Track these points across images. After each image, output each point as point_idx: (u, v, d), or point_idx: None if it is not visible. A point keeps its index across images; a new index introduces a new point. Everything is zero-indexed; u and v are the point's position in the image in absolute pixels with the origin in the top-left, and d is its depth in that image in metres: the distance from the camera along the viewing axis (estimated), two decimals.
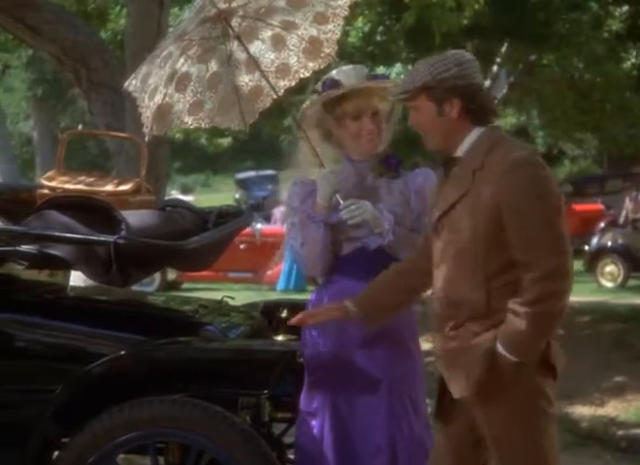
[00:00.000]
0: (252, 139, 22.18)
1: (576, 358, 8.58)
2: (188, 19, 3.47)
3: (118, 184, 3.53)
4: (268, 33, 3.46)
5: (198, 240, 3.34)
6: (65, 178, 3.53)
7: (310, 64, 3.44)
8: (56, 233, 3.20)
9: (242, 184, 28.29)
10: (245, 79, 3.49)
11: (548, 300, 2.58)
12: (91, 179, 3.56)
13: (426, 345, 3.91)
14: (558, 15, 8.95)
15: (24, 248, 3.21)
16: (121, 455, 3.25)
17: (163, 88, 3.40)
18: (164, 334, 3.32)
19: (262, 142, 29.04)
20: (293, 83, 3.45)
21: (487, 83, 11.49)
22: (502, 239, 2.62)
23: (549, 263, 2.57)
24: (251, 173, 29.20)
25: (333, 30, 3.42)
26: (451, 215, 2.70)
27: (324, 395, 3.20)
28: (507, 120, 15.09)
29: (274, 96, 3.43)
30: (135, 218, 3.30)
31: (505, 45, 10.19)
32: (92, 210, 3.29)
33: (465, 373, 2.65)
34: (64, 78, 21.08)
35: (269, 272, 14.50)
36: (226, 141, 14.21)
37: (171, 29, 4.70)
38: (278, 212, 17.06)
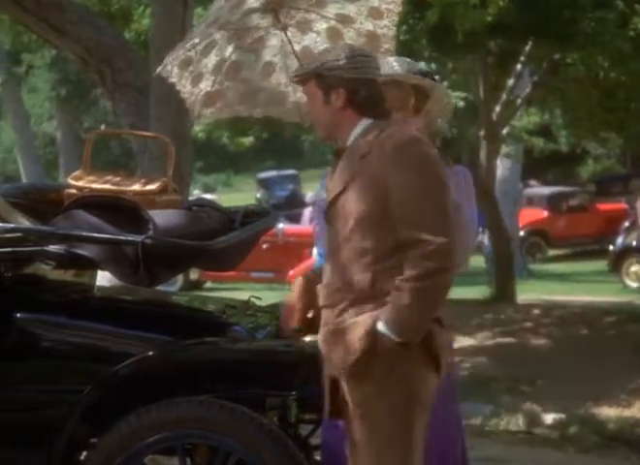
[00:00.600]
0: (273, 139, 22.17)
1: (601, 359, 8.52)
2: (228, 9, 3.40)
3: (145, 184, 3.52)
4: (323, 25, 3.42)
5: (225, 240, 3.32)
6: (92, 178, 3.53)
7: None
8: (84, 233, 3.19)
9: (264, 184, 28.32)
10: None
11: (432, 277, 2.61)
12: (118, 179, 3.56)
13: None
14: (583, 14, 8.87)
15: (52, 248, 3.21)
16: (149, 456, 3.24)
17: (210, 75, 3.39)
18: (191, 335, 3.31)
19: (283, 142, 29.05)
20: None
21: (510, 82, 11.42)
22: (391, 221, 2.66)
23: (434, 240, 2.60)
24: (273, 173, 29.23)
25: (388, 25, 3.38)
26: (340, 201, 2.74)
27: None
28: (530, 119, 14.99)
29: None
30: (162, 218, 3.29)
31: (529, 43, 10.11)
32: (119, 210, 3.28)
33: (345, 351, 2.65)
34: (87, 79, 21.21)
35: (291, 272, 14.51)
36: (248, 141, 14.19)
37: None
38: (308, 212, 17.05)
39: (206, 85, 3.39)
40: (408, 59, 3.27)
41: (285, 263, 14.39)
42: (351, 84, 2.76)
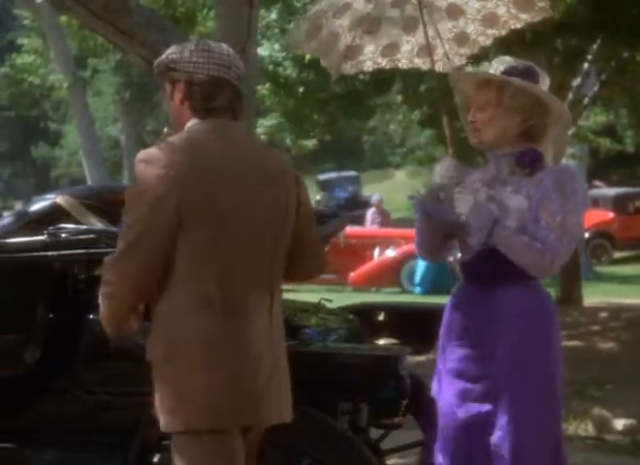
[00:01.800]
0: (334, 140, 22.20)
1: None
2: None
3: None
4: None
5: None
6: None
7: (523, 16, 3.34)
8: None
9: (324, 185, 28.32)
10: (448, 25, 3.45)
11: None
12: None
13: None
14: None
15: None
16: None
17: (348, 32, 3.45)
18: None
19: (344, 144, 29.06)
20: (503, 33, 3.38)
21: (577, 81, 11.24)
22: None
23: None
24: (333, 174, 29.22)
25: None
26: None
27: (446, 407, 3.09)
28: (597, 118, 14.76)
29: (482, 43, 3.39)
30: None
31: (597, 41, 9.93)
32: None
33: None
34: (151, 82, 21.42)
35: (352, 274, 14.46)
36: (311, 143, 14.22)
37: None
38: (370, 213, 17.02)
39: (344, 42, 3.46)
40: (508, 58, 3.18)
41: (347, 264, 14.35)
42: (189, 80, 2.68)
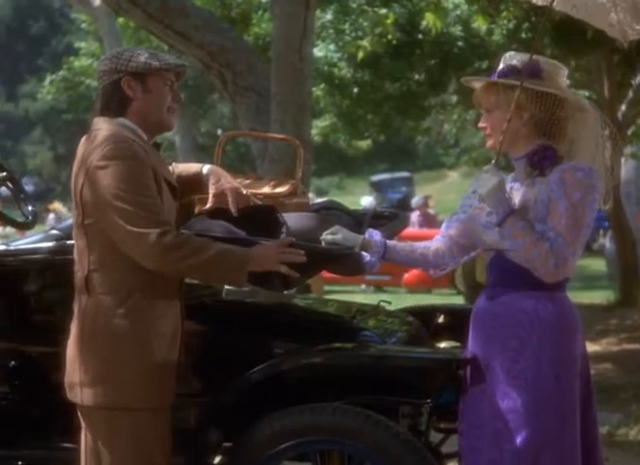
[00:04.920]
0: (387, 141, 22.13)
1: None
2: None
3: (275, 186, 3.50)
4: None
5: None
6: None
7: None
8: (217, 235, 3.17)
9: (377, 186, 28.27)
10: None
11: None
12: (248, 181, 3.54)
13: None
14: None
15: None
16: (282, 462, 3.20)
17: None
18: (323, 339, 3.25)
19: (397, 144, 28.98)
20: None
21: (637, 79, 11.04)
22: None
23: None
24: (386, 175, 29.17)
25: None
26: None
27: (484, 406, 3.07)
28: None
29: None
30: (292, 220, 3.25)
31: None
32: (252, 212, 3.25)
33: None
34: (204, 84, 21.45)
35: (406, 275, 14.37)
36: (365, 144, 14.16)
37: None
38: (415, 215, 16.91)
39: None
40: (510, 55, 3.06)
41: (400, 265, 14.22)
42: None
